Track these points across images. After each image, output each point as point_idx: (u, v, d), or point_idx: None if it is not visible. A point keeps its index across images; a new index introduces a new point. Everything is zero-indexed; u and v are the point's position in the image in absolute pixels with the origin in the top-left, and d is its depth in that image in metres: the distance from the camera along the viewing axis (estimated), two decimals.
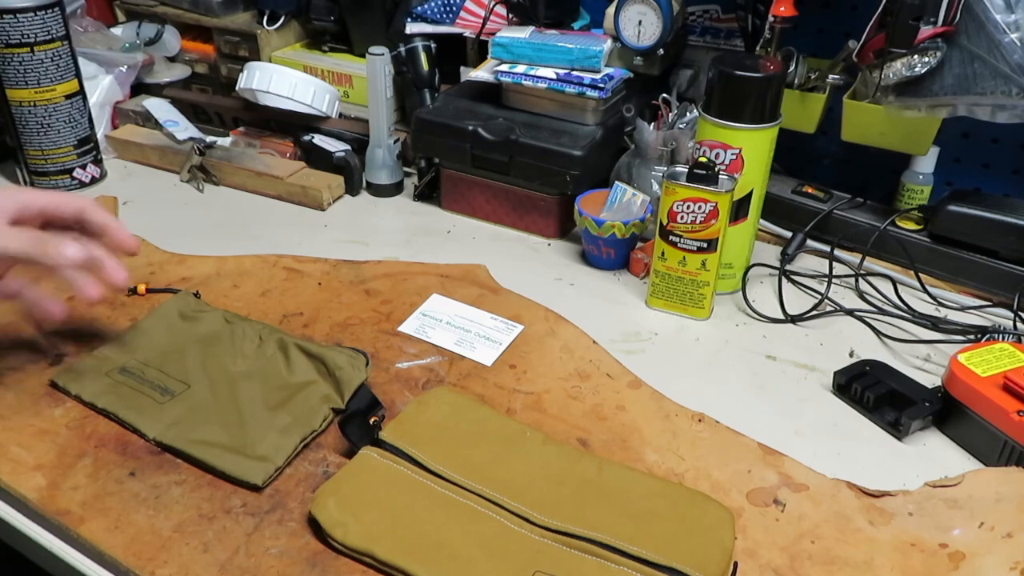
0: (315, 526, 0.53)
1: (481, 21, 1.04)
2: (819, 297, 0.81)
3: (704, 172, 0.72)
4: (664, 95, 0.92)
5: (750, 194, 0.78)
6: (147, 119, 1.10)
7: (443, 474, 0.56)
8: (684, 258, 0.76)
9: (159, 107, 1.11)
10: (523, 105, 0.94)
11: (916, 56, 0.76)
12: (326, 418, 0.62)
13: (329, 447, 0.61)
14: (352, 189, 1.01)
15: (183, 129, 1.07)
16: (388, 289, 0.81)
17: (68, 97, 0.95)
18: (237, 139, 1.09)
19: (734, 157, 0.76)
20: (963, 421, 0.64)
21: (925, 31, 0.74)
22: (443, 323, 0.76)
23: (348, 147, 1.02)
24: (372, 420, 0.61)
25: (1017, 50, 0.71)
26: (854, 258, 0.87)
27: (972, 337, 0.76)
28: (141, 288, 0.78)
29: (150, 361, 0.68)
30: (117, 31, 1.16)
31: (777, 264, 0.86)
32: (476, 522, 0.53)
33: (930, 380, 0.69)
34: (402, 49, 1.04)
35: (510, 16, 1.03)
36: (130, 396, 0.64)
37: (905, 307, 0.80)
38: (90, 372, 0.66)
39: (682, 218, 0.74)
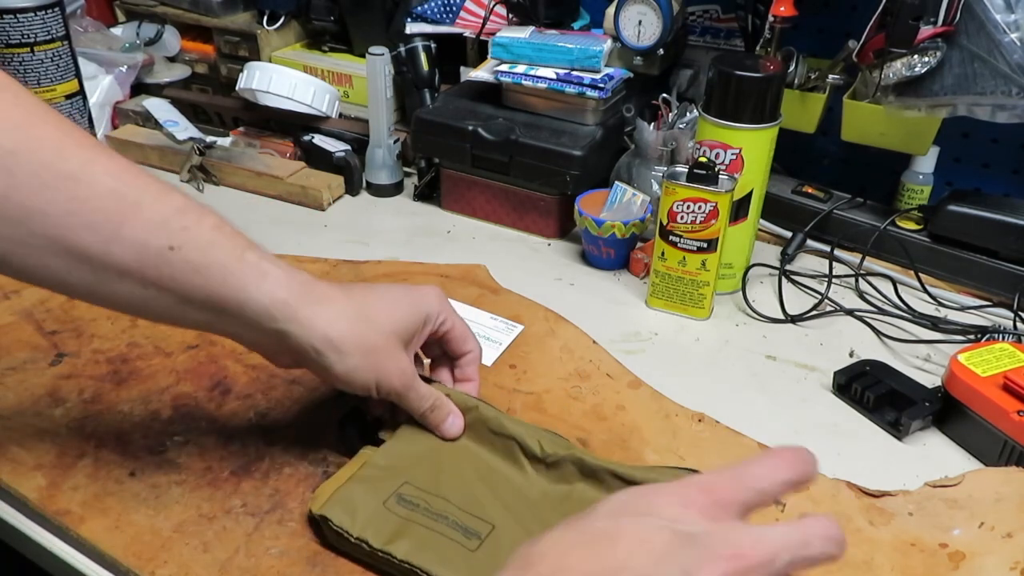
0: (314, 525, 0.53)
1: (481, 21, 1.04)
2: (819, 297, 0.81)
3: (704, 172, 0.72)
4: (664, 95, 0.92)
5: (750, 194, 0.78)
6: (147, 119, 1.10)
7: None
8: (684, 258, 0.76)
9: (159, 107, 1.11)
10: (523, 105, 0.94)
11: (916, 56, 0.76)
12: None
13: (329, 447, 0.61)
14: (352, 189, 1.01)
15: (183, 129, 1.07)
16: None
17: (68, 97, 0.95)
18: (237, 139, 1.09)
19: (734, 157, 0.76)
20: (963, 421, 0.64)
21: (925, 31, 0.74)
22: None
23: (348, 147, 1.02)
24: (370, 419, 0.61)
25: (1017, 50, 0.71)
26: (854, 258, 0.87)
27: (972, 337, 0.76)
28: None
29: (426, 486, 0.54)
30: (117, 31, 1.16)
31: (777, 264, 0.86)
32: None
33: (930, 380, 0.69)
34: (402, 49, 1.04)
35: (510, 16, 1.03)
36: (429, 540, 0.50)
37: (905, 307, 0.80)
38: (362, 503, 0.52)
39: (682, 218, 0.74)
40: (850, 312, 0.80)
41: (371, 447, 0.57)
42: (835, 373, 0.70)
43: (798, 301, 0.82)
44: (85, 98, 0.98)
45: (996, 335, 0.74)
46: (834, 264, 0.85)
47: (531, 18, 1.00)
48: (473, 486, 0.54)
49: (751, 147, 0.76)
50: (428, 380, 0.60)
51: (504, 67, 0.92)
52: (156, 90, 1.17)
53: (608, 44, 0.92)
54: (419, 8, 1.07)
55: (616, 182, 0.88)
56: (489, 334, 0.75)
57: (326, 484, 0.55)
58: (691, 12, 1.03)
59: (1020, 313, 0.78)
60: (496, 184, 0.93)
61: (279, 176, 0.99)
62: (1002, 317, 0.80)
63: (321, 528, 0.52)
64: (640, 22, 0.93)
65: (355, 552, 0.51)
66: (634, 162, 0.90)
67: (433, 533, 0.50)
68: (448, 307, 0.58)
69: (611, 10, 0.94)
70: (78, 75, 0.96)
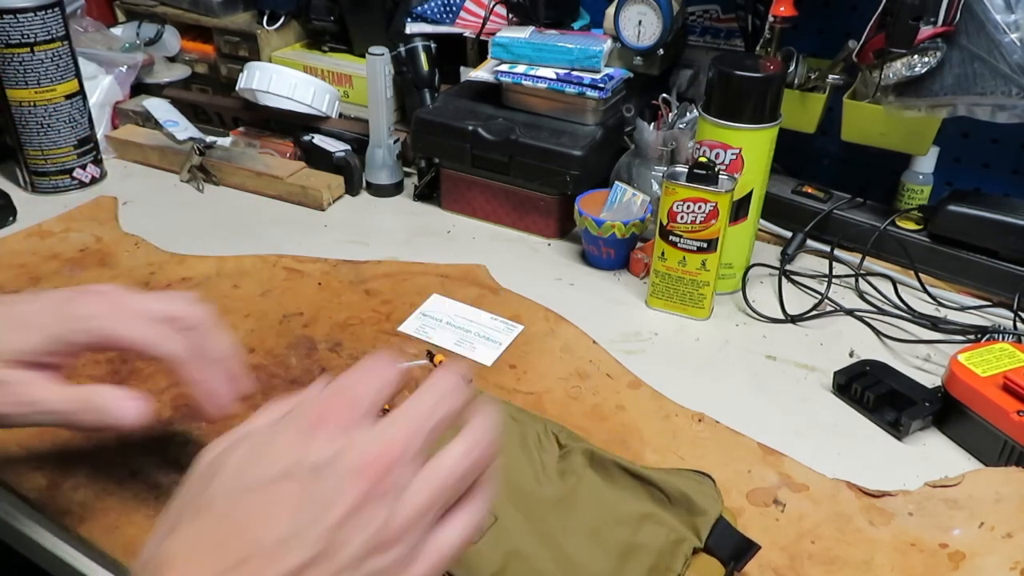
0: None
1: (481, 21, 1.04)
2: (819, 297, 0.81)
3: (704, 172, 0.72)
4: (664, 95, 0.92)
5: (750, 194, 0.78)
6: (147, 119, 1.10)
7: None
8: (684, 258, 0.76)
9: (159, 107, 1.11)
10: (523, 105, 0.94)
11: (916, 56, 0.76)
12: (686, 562, 0.50)
13: None
14: (352, 189, 1.01)
15: (183, 129, 1.07)
16: (388, 289, 0.81)
17: (68, 97, 0.95)
18: (237, 139, 1.09)
19: (734, 157, 0.76)
20: (963, 421, 0.64)
21: (925, 31, 0.74)
22: (443, 323, 0.76)
23: (348, 147, 1.02)
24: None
25: (1017, 50, 0.71)
26: (854, 258, 0.87)
27: (972, 337, 0.76)
28: (439, 358, 0.69)
29: None
30: (117, 31, 1.16)
31: (777, 264, 0.86)
32: None
33: (930, 380, 0.69)
34: (402, 49, 1.04)
35: (510, 16, 1.03)
36: None
37: (905, 307, 0.80)
38: None
39: (682, 218, 0.74)
40: (850, 312, 0.80)
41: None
42: (835, 373, 0.70)
43: (798, 301, 0.82)
44: (85, 98, 0.98)
45: (996, 335, 0.74)
46: (834, 264, 0.85)
47: (531, 18, 1.00)
48: None
49: (751, 147, 0.76)
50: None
51: (504, 67, 0.92)
52: (156, 90, 1.17)
53: (608, 44, 0.92)
54: (419, 8, 1.07)
55: (616, 182, 0.88)
56: (489, 334, 0.75)
57: None
58: (691, 12, 1.03)
59: (1020, 313, 0.78)
60: (496, 184, 0.93)
61: (279, 176, 0.99)
62: (1002, 317, 0.79)
63: None
64: (640, 22, 0.93)
65: None
66: (634, 162, 0.90)
67: None
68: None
69: (611, 10, 0.94)
70: (78, 75, 0.96)
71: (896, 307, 0.81)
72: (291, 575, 0.32)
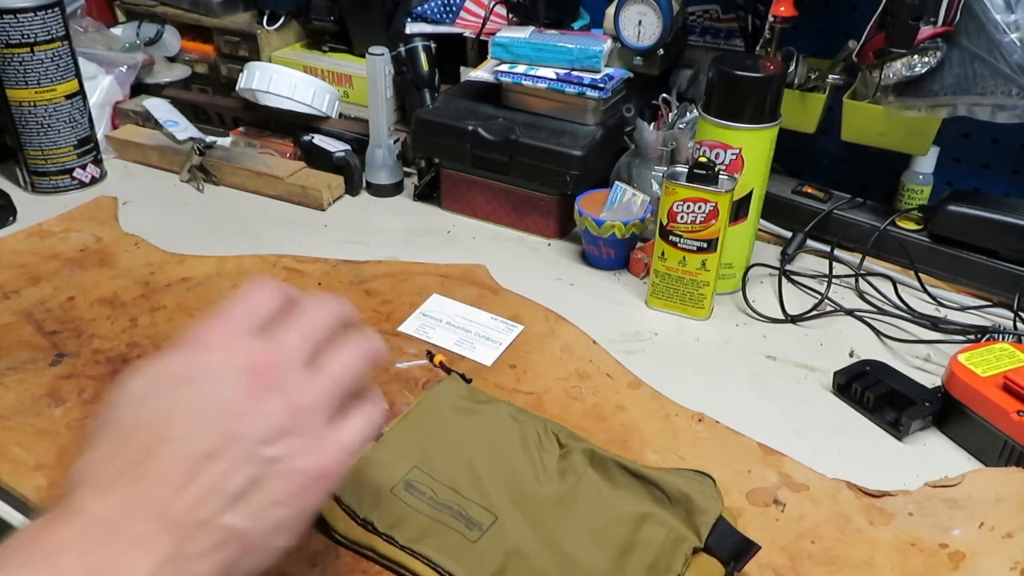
0: (318, 522, 0.53)
1: (481, 21, 1.04)
2: (819, 297, 0.81)
3: (704, 172, 0.72)
4: (664, 95, 0.92)
5: (750, 194, 0.78)
6: (147, 119, 1.10)
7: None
8: (684, 258, 0.76)
9: (159, 107, 1.11)
10: (523, 105, 0.94)
11: (916, 56, 0.76)
12: (686, 562, 0.50)
13: None
14: (352, 189, 1.01)
15: (183, 129, 1.07)
16: (388, 289, 0.81)
17: (68, 97, 0.95)
18: (237, 139, 1.09)
19: (734, 157, 0.76)
20: (963, 421, 0.64)
21: (925, 31, 0.74)
22: (443, 323, 0.76)
23: (348, 147, 1.02)
24: None
25: (1017, 50, 0.71)
26: (854, 258, 0.87)
27: (972, 337, 0.76)
28: (438, 358, 0.70)
29: (436, 473, 0.55)
30: (117, 31, 1.16)
31: (777, 264, 0.86)
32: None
33: (930, 380, 0.69)
34: (402, 49, 1.04)
35: (510, 16, 1.03)
36: (432, 529, 0.52)
37: (905, 307, 0.80)
38: (371, 488, 0.54)
39: (682, 218, 0.74)
40: (850, 312, 0.80)
41: (372, 441, 0.58)
42: (835, 373, 0.70)
43: (798, 301, 0.82)
44: (85, 98, 0.98)
45: (996, 335, 0.74)
46: (834, 264, 0.85)
47: (531, 18, 1.00)
48: (483, 474, 0.55)
49: (751, 147, 0.76)
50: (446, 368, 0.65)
51: (504, 67, 0.92)
52: (156, 90, 1.17)
53: (608, 44, 0.92)
54: (419, 8, 1.07)
55: (616, 182, 0.88)
56: (489, 334, 0.75)
57: None
58: (691, 12, 1.03)
59: (1020, 313, 0.78)
60: (496, 184, 0.93)
61: (279, 176, 0.99)
62: (1002, 317, 0.79)
63: (323, 517, 0.53)
64: (640, 22, 0.93)
65: (357, 538, 0.52)
66: (634, 162, 0.90)
67: (436, 523, 0.52)
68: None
69: (611, 10, 0.94)
70: (78, 75, 0.96)
71: (896, 307, 0.81)
72: (200, 459, 0.35)
